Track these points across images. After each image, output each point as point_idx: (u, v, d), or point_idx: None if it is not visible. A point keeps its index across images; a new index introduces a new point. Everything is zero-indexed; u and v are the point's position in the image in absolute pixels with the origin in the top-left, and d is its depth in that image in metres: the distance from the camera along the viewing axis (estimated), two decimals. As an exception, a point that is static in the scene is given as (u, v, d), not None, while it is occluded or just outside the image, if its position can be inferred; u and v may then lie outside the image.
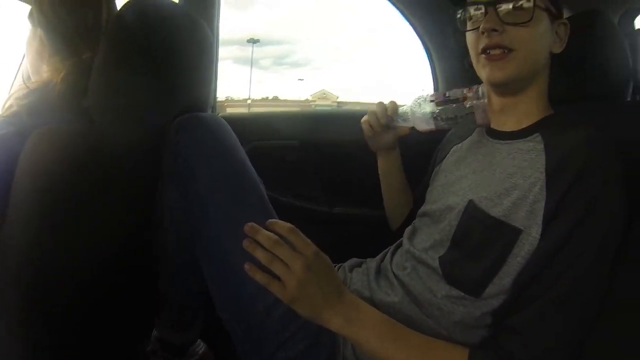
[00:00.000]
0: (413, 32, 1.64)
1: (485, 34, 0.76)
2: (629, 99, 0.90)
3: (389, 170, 1.12)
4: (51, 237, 0.72)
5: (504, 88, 0.81)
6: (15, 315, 0.74)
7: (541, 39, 0.78)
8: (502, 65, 0.76)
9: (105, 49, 0.77)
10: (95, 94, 0.78)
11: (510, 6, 0.76)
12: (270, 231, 0.70)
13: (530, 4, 0.74)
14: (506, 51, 0.76)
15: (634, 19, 1.13)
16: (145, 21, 0.79)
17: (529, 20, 0.74)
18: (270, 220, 0.72)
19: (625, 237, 0.65)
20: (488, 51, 0.77)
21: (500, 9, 0.76)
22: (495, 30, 0.75)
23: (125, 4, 0.85)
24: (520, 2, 0.75)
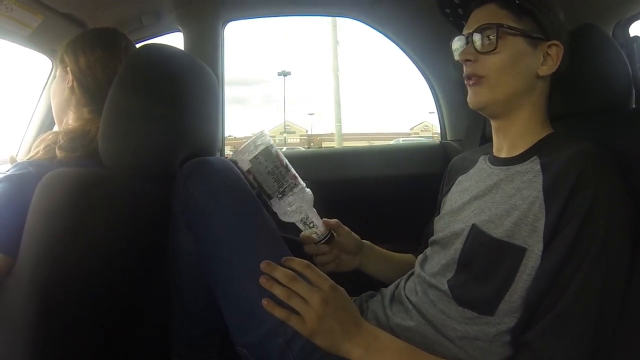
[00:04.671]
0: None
1: (463, 63, 0.83)
2: (633, 107, 0.90)
3: (376, 267, 1.11)
4: (59, 281, 0.72)
5: (484, 112, 0.86)
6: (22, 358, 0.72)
7: (514, 64, 0.80)
8: (476, 90, 0.82)
9: (115, 94, 0.80)
10: (104, 139, 0.80)
11: (480, 36, 0.81)
12: (287, 268, 0.74)
13: (494, 33, 0.79)
14: (479, 78, 0.81)
15: (626, 29, 1.14)
16: (154, 66, 0.83)
17: (494, 49, 0.79)
18: (286, 257, 0.76)
19: (636, 247, 0.67)
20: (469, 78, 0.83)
21: (474, 40, 0.81)
22: (469, 60, 0.81)
23: (135, 51, 0.89)
24: (487, 32, 0.80)
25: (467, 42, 0.82)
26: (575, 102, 0.87)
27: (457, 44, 0.87)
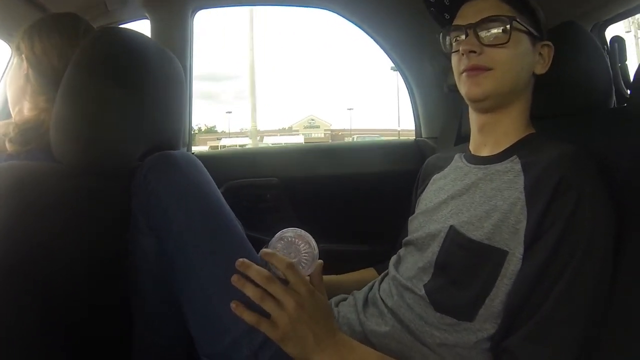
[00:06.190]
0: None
1: (465, 55, 0.78)
2: (612, 107, 0.90)
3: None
4: (6, 282, 0.66)
5: (482, 104, 0.81)
6: None
7: (520, 60, 0.79)
8: (480, 81, 0.78)
9: (69, 78, 0.74)
10: (56, 129, 0.74)
11: (489, 29, 0.78)
12: (267, 262, 0.69)
13: (507, 26, 0.77)
14: (485, 70, 0.78)
15: (603, 32, 1.16)
16: (113, 50, 0.77)
17: (506, 42, 0.76)
18: (265, 251, 0.70)
19: (618, 249, 0.65)
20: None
21: (479, 32, 0.78)
22: (473, 51, 0.77)
23: (95, 32, 0.83)
24: (498, 25, 0.77)
25: (467, 34, 0.79)
26: (555, 102, 0.87)
27: (455, 34, 0.83)
